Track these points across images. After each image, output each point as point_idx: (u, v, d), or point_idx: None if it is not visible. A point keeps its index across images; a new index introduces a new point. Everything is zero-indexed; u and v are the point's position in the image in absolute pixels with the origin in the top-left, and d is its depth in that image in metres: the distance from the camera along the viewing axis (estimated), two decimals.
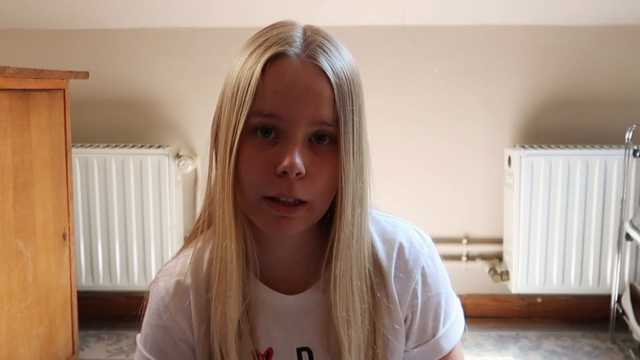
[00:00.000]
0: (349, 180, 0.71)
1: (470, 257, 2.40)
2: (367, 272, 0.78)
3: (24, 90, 1.63)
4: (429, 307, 0.81)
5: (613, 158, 2.19)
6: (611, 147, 2.24)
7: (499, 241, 2.38)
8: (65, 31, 2.36)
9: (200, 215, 0.82)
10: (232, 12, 2.30)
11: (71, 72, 1.85)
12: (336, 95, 0.70)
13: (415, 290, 0.80)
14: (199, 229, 0.83)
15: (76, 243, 2.19)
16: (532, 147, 2.26)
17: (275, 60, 0.70)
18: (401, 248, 0.81)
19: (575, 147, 2.26)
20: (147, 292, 0.83)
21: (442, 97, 2.34)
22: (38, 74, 1.66)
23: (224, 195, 0.72)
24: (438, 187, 2.37)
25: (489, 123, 2.36)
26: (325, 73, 0.70)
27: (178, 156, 2.31)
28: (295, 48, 0.71)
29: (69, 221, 1.86)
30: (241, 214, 0.74)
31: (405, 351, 0.82)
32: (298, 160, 0.68)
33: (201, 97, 2.36)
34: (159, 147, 2.28)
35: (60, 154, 1.82)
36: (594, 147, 2.25)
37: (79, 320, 1.94)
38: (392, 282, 0.79)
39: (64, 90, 1.82)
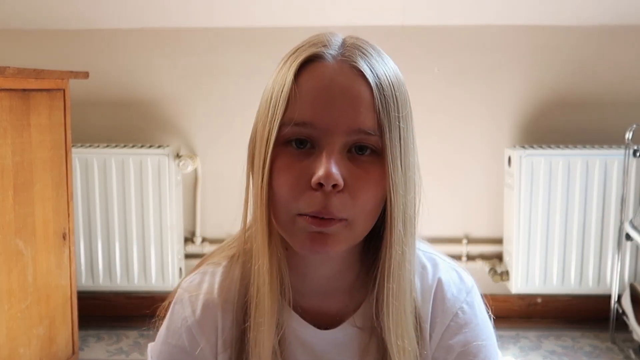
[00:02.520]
0: (397, 193, 0.65)
1: (470, 257, 2.39)
2: (415, 299, 0.73)
3: (24, 90, 1.63)
4: (465, 357, 0.74)
5: (613, 158, 2.19)
6: (611, 147, 2.24)
7: (499, 241, 2.38)
8: (65, 31, 2.36)
9: (239, 233, 0.76)
10: (232, 12, 2.30)
11: (71, 72, 1.85)
12: (377, 100, 0.64)
13: (445, 336, 0.75)
14: (230, 244, 0.78)
15: (76, 243, 2.19)
16: (532, 147, 2.26)
17: (309, 64, 0.65)
18: (438, 289, 0.75)
19: (575, 147, 2.26)
20: (167, 304, 0.78)
21: (442, 97, 2.34)
22: (38, 74, 1.66)
23: (257, 213, 0.67)
24: (438, 187, 2.37)
25: (489, 123, 2.36)
26: (364, 76, 0.64)
27: (178, 156, 2.31)
28: (331, 50, 0.66)
29: (69, 221, 1.86)
30: (276, 234, 0.68)
31: None
32: (334, 170, 0.62)
33: (201, 97, 2.36)
34: (159, 147, 2.28)
35: (60, 154, 1.82)
36: (594, 147, 2.25)
37: (79, 320, 1.94)
38: (429, 326, 0.75)
39: (64, 90, 1.82)
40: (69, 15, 2.32)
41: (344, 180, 0.63)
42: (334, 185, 0.62)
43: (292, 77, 0.64)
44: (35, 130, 1.67)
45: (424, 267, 0.76)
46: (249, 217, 0.72)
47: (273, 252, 0.68)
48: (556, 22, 2.31)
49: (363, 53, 0.66)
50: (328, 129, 0.63)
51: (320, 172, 0.62)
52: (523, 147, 2.27)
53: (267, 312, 0.69)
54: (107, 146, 2.28)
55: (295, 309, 0.74)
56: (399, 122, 0.65)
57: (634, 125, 2.11)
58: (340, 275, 0.73)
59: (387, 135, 0.64)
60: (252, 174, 0.70)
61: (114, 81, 2.37)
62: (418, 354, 0.72)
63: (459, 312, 0.75)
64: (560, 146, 2.27)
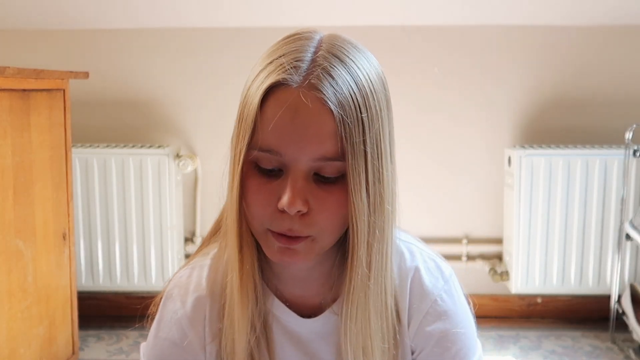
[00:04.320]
0: (361, 218, 0.66)
1: (470, 257, 2.39)
2: (390, 310, 0.74)
3: (24, 90, 1.63)
4: (443, 344, 0.76)
5: (613, 158, 2.19)
6: (611, 147, 2.24)
7: (499, 241, 2.38)
8: (65, 31, 2.36)
9: (216, 223, 0.79)
10: (232, 12, 2.30)
11: (71, 72, 1.85)
12: (339, 129, 0.64)
13: (423, 323, 0.76)
14: (215, 234, 0.80)
15: (76, 243, 2.19)
16: (532, 147, 2.26)
17: (275, 90, 0.65)
18: (415, 277, 0.77)
19: (575, 147, 2.26)
20: (157, 299, 0.80)
21: (442, 97, 2.34)
22: (38, 74, 1.66)
23: (229, 224, 0.70)
24: (438, 187, 2.37)
25: (489, 123, 2.36)
26: (329, 104, 0.64)
27: (178, 156, 2.31)
28: (297, 76, 0.65)
29: (69, 221, 1.86)
30: (248, 238, 0.71)
31: None
32: (297, 198, 0.64)
33: (201, 97, 2.36)
34: (159, 147, 2.28)
35: (60, 154, 1.82)
36: (594, 147, 2.25)
37: (79, 320, 1.94)
38: (407, 315, 0.76)
39: (64, 90, 1.82)
40: (69, 15, 2.32)
41: (309, 203, 0.65)
42: (299, 211, 0.65)
43: (258, 103, 0.65)
44: (35, 130, 1.67)
45: (401, 256, 0.78)
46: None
47: (247, 261, 0.71)
48: (556, 22, 2.31)
49: (331, 76, 0.65)
50: (292, 157, 0.65)
51: (284, 199, 0.64)
52: (523, 147, 2.27)
53: (236, 319, 0.72)
54: (107, 146, 2.28)
55: (280, 298, 0.77)
56: (364, 147, 0.65)
57: (634, 125, 2.11)
58: (318, 264, 0.76)
59: (350, 162, 0.65)
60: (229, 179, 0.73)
61: (114, 81, 2.37)
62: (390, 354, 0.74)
63: (438, 299, 0.77)
64: (560, 146, 2.27)
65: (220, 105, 2.34)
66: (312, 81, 0.64)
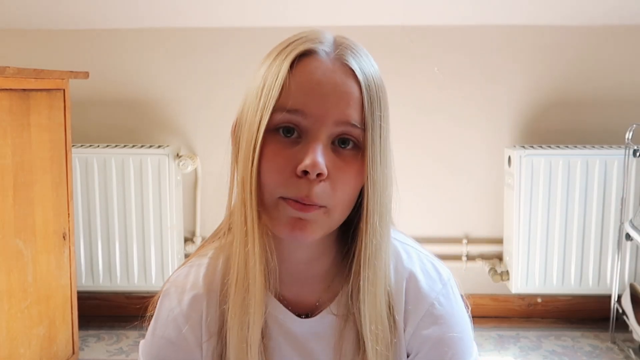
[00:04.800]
0: (375, 187, 0.69)
1: (470, 257, 2.39)
2: (388, 289, 0.74)
3: (24, 90, 1.63)
4: (439, 349, 0.75)
5: (613, 158, 2.19)
6: (611, 147, 2.24)
7: (499, 241, 2.38)
8: (65, 31, 2.36)
9: (223, 222, 0.78)
10: (232, 12, 2.30)
11: (71, 72, 1.85)
12: (365, 98, 0.68)
13: (420, 326, 0.76)
14: (217, 235, 0.80)
15: (76, 243, 2.19)
16: (532, 147, 2.26)
17: (304, 58, 0.68)
18: (410, 280, 0.76)
19: (575, 147, 2.26)
20: (155, 299, 0.80)
21: (442, 97, 2.34)
22: (38, 74, 1.66)
23: (245, 196, 0.68)
24: (438, 187, 2.37)
25: (489, 123, 2.36)
26: (354, 74, 0.68)
27: (178, 156, 2.31)
28: (325, 47, 0.69)
29: (69, 221, 1.86)
30: (262, 217, 0.70)
31: None
32: (320, 159, 0.65)
33: (201, 97, 2.36)
34: (159, 147, 2.28)
35: (60, 154, 1.82)
36: (594, 147, 2.25)
37: (79, 320, 1.94)
38: (402, 317, 0.76)
39: (64, 90, 1.82)
40: (69, 15, 2.32)
41: (327, 170, 0.66)
42: (318, 174, 0.65)
43: (288, 67, 0.67)
44: (35, 130, 1.67)
45: (398, 257, 0.78)
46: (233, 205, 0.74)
47: (262, 234, 0.70)
48: (556, 22, 2.31)
49: (354, 53, 0.70)
50: (317, 118, 0.66)
51: (307, 160, 0.65)
52: (523, 147, 2.27)
53: (258, 292, 0.71)
54: (107, 146, 2.28)
55: (277, 298, 0.76)
56: (380, 122, 0.69)
57: (634, 125, 2.11)
58: (316, 261, 0.76)
59: (370, 131, 0.68)
60: (237, 161, 0.72)
61: (114, 81, 2.37)
62: (390, 341, 0.74)
63: (435, 302, 0.76)
64: (560, 146, 2.27)
65: (220, 105, 2.34)
66: (340, 52, 0.69)
